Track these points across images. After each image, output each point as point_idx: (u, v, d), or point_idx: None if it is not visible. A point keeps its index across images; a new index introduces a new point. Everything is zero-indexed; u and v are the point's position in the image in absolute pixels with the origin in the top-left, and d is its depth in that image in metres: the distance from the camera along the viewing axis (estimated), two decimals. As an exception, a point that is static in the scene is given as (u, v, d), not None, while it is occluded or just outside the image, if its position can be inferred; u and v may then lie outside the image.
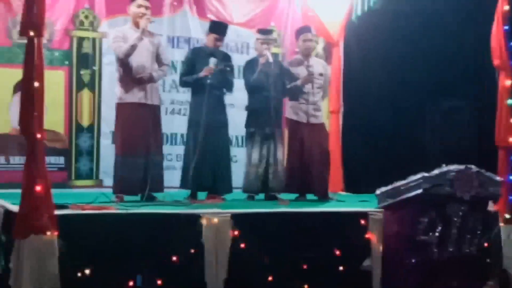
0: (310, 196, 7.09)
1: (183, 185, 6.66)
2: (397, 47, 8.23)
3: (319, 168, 6.99)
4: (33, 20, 4.76)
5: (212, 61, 6.52)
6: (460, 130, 8.37)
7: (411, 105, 8.31)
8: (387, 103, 8.43)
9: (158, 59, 6.45)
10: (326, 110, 8.29)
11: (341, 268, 5.63)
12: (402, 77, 8.26)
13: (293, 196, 7.05)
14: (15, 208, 5.02)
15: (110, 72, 7.29)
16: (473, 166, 4.60)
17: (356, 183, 8.17)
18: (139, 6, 6.28)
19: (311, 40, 7.17)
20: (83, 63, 7.64)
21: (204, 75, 6.49)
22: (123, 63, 6.25)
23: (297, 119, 7.05)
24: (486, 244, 5.78)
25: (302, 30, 7.24)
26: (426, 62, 8.16)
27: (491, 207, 5.89)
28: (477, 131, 8.05)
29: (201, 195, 6.65)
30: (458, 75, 8.01)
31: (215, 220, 5.30)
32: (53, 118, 7.41)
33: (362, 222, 5.71)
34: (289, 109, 7.14)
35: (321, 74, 7.14)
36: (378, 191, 4.80)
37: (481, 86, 7.37)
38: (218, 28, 6.77)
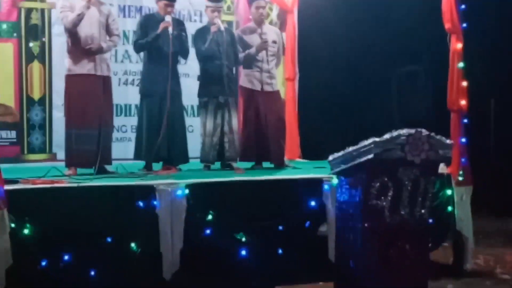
0: (266, 164, 7.09)
1: (137, 156, 6.61)
2: (352, 13, 8.24)
3: (275, 136, 6.99)
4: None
5: (167, 18, 6.43)
6: (417, 95, 8.44)
7: (368, 72, 8.36)
8: (344, 70, 8.47)
9: (108, 29, 6.34)
10: (281, 78, 8.28)
11: (297, 234, 5.68)
12: (358, 44, 8.29)
13: (249, 164, 7.04)
14: (-36, 184, 4.92)
15: (60, 43, 7.15)
16: (423, 130, 4.62)
17: (313, 150, 8.21)
18: None
19: (264, 7, 7.11)
20: (32, 34, 7.47)
21: (161, 30, 6.37)
22: (71, 33, 6.14)
23: (252, 87, 7.02)
24: (438, 207, 5.91)
25: None
26: (382, 28, 8.19)
27: (444, 169, 5.98)
28: (433, 95, 8.13)
29: (156, 166, 6.60)
30: (414, 40, 8.05)
31: (169, 190, 5.27)
32: (3, 91, 7.27)
33: (317, 188, 5.77)
34: (243, 78, 7.10)
35: (274, 42, 7.10)
36: (330, 157, 4.80)
37: (437, 51, 7.41)
38: None
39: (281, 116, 7.20)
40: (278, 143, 7.03)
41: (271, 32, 7.17)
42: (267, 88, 7.03)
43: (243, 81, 7.10)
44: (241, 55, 6.95)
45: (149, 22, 6.59)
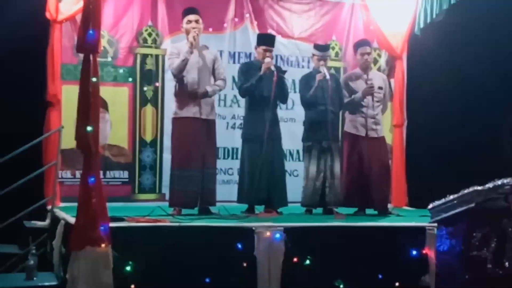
0: (369, 211, 7.00)
1: (240, 199, 6.71)
2: (462, 58, 8.06)
3: (379, 182, 6.91)
4: (88, 37, 4.90)
5: (267, 59, 6.56)
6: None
7: (479, 118, 8.10)
8: (454, 116, 8.26)
9: (214, 73, 6.53)
10: (389, 124, 8.22)
11: (397, 284, 5.55)
12: (468, 89, 8.07)
13: (352, 210, 6.97)
14: (73, 220, 5.16)
15: (172, 88, 7.38)
16: (528, 179, 4.46)
17: (420, 198, 8.02)
18: (189, 21, 6.40)
19: (369, 54, 7.11)
20: (146, 79, 7.79)
21: (263, 71, 6.49)
22: (178, 78, 6.38)
23: (356, 133, 6.98)
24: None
25: (360, 44, 7.18)
26: (493, 73, 7.95)
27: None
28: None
29: (259, 209, 6.67)
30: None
31: (268, 233, 5.31)
32: (118, 133, 7.63)
33: (420, 237, 5.64)
34: (348, 123, 7.09)
35: (380, 88, 7.05)
36: (430, 205, 4.70)
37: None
38: (266, 40, 6.81)
39: (385, 163, 7.11)
40: (381, 190, 6.94)
41: (377, 78, 7.15)
42: (372, 134, 6.98)
43: (347, 127, 7.09)
44: (346, 101, 6.97)
45: (249, 68, 6.74)
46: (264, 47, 6.68)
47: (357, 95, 6.94)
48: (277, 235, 5.31)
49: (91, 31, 4.87)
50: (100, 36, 5.08)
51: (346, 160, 7.09)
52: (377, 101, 7.02)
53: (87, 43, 4.90)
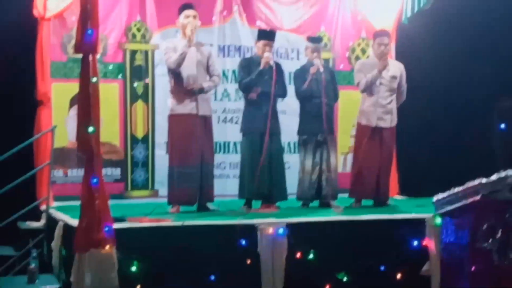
0: (365, 202, 7.02)
1: (241, 194, 6.68)
2: (452, 47, 8.09)
3: (385, 173, 6.94)
4: (86, 37, 4.84)
5: (267, 54, 6.53)
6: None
7: (471, 106, 8.14)
8: (445, 104, 8.30)
9: (208, 70, 6.50)
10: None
11: (399, 275, 5.60)
12: (459, 77, 8.11)
13: (347, 202, 6.98)
14: (74, 222, 5.12)
15: (163, 83, 7.35)
16: (532, 170, 4.51)
17: (412, 187, 8.09)
18: (187, 16, 6.35)
19: (386, 45, 7.02)
20: (136, 75, 7.71)
21: (263, 66, 6.47)
22: (174, 74, 6.34)
23: (366, 123, 6.92)
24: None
25: (379, 34, 7.09)
26: (484, 60, 7.98)
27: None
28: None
29: (255, 203, 6.65)
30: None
31: (270, 230, 5.31)
32: (109, 130, 7.52)
33: (419, 227, 5.68)
34: (359, 114, 7.02)
35: (394, 77, 6.98)
36: (435, 198, 4.73)
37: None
38: (266, 34, 6.76)
39: (391, 153, 7.11)
40: (386, 180, 6.99)
41: (393, 67, 7.01)
42: (381, 124, 6.90)
43: (359, 118, 7.02)
44: (363, 81, 6.87)
45: (249, 63, 6.70)
46: (264, 42, 6.64)
47: (372, 73, 6.81)
48: (280, 231, 5.31)
49: (89, 31, 4.82)
50: (99, 36, 4.99)
51: (355, 151, 7.08)
52: (388, 91, 6.93)
53: (86, 43, 4.84)
